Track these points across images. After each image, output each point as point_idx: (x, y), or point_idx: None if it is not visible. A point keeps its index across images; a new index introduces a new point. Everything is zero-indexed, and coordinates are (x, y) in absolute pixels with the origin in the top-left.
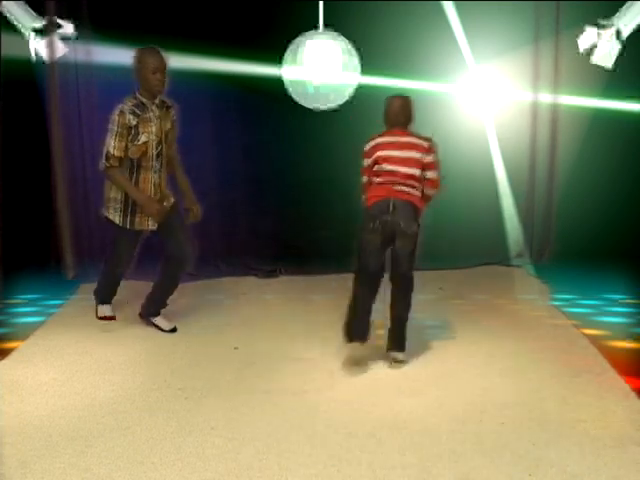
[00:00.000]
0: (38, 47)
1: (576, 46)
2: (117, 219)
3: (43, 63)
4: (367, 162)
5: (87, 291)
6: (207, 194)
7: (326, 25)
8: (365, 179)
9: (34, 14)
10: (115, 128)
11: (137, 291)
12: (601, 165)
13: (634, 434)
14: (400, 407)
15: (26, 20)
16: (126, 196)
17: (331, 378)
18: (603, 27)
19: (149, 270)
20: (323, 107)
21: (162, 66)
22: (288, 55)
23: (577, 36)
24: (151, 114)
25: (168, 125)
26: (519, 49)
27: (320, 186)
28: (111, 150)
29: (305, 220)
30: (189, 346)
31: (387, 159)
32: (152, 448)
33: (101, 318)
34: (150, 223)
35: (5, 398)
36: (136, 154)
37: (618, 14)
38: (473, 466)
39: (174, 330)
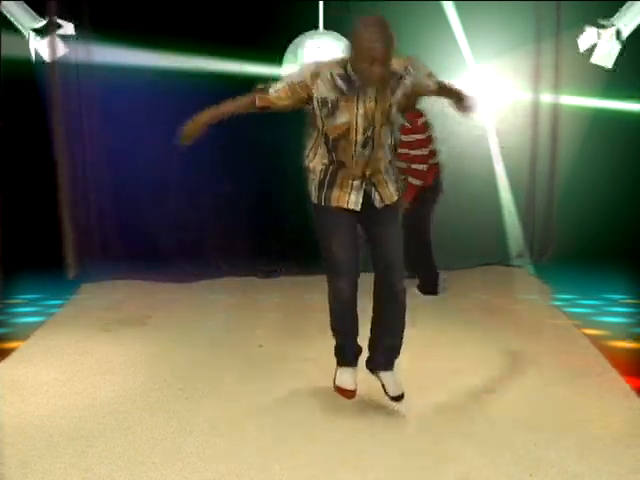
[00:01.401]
0: (38, 47)
1: (576, 46)
2: (313, 194)
3: (43, 63)
4: None
5: (88, 291)
6: (207, 194)
7: (326, 25)
8: None
9: (34, 14)
10: (295, 78)
11: (137, 291)
12: (601, 165)
13: (635, 434)
14: (400, 407)
15: (26, 20)
16: (327, 165)
17: (331, 378)
18: (603, 27)
19: (149, 270)
20: None
21: (382, 57)
22: (288, 55)
23: (577, 36)
24: (362, 93)
25: (390, 104)
26: (519, 49)
27: None
28: (272, 89)
29: (305, 220)
30: (189, 346)
31: None
32: (153, 448)
33: (338, 389)
34: (351, 201)
35: (6, 398)
36: (332, 134)
37: (618, 14)
38: (473, 466)
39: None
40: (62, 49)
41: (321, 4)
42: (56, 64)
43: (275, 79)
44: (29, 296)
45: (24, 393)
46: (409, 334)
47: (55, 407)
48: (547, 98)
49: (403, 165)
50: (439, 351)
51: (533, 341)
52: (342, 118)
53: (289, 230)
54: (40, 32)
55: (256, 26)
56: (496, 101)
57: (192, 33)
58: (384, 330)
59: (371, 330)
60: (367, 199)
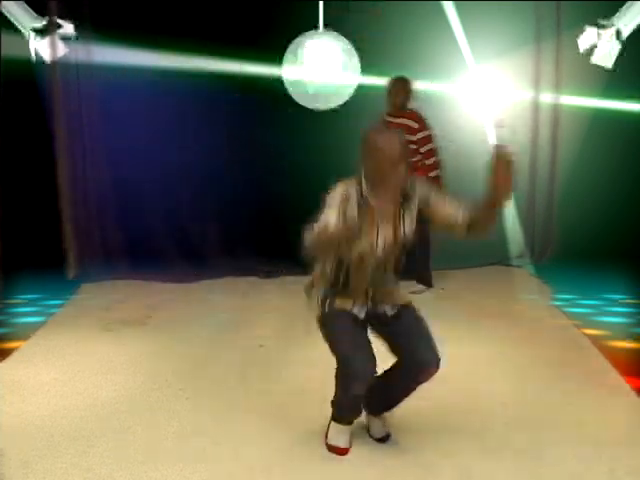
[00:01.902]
0: (38, 47)
1: (576, 46)
2: (316, 307)
3: (43, 63)
4: None
5: (88, 291)
6: (207, 193)
7: (326, 25)
8: None
9: (34, 14)
10: (333, 203)
11: (137, 291)
12: (601, 165)
13: (635, 434)
14: (400, 407)
15: (26, 20)
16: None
17: (331, 378)
18: (603, 27)
19: (149, 270)
20: (323, 107)
21: (403, 159)
22: (288, 55)
23: (577, 36)
24: (377, 215)
25: (406, 228)
26: (519, 49)
27: (321, 186)
28: (323, 224)
29: (306, 219)
30: (190, 346)
31: None
32: (154, 448)
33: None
34: (355, 309)
35: (6, 398)
36: (348, 258)
37: (618, 14)
38: (474, 466)
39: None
40: (62, 49)
41: (321, 4)
42: (56, 64)
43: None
44: (29, 296)
45: (25, 393)
46: None
47: (56, 407)
48: (547, 98)
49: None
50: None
51: (533, 341)
52: (361, 246)
53: (289, 230)
54: (40, 32)
55: (256, 26)
56: (496, 101)
57: (192, 33)
58: (397, 393)
59: (381, 378)
60: (375, 315)
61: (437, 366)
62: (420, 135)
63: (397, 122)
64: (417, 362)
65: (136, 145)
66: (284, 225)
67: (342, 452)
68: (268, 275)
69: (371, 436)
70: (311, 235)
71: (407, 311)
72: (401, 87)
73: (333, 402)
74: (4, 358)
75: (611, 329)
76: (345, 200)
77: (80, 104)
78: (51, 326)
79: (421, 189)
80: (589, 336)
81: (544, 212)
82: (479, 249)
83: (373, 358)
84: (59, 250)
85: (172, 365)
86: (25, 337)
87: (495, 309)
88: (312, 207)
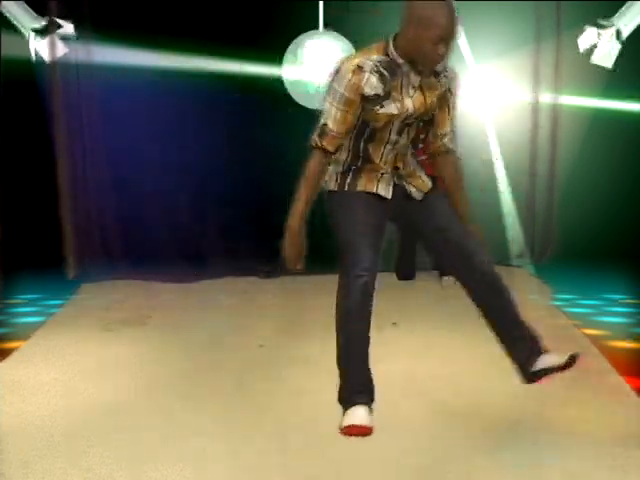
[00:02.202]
0: (38, 47)
1: (576, 46)
2: (331, 183)
3: (43, 63)
4: None
5: (88, 291)
6: (207, 193)
7: (326, 25)
8: None
9: (34, 14)
10: (340, 90)
11: (137, 291)
12: (601, 165)
13: (635, 434)
14: (400, 407)
15: (26, 20)
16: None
17: (331, 378)
18: (603, 27)
19: (149, 270)
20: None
21: (450, 35)
22: (288, 55)
23: (577, 36)
24: (405, 80)
25: (433, 99)
26: (519, 49)
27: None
28: (329, 123)
29: (306, 219)
30: (190, 346)
31: None
32: (153, 448)
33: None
34: (381, 188)
35: (6, 398)
36: (375, 122)
37: (618, 14)
38: (473, 466)
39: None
40: (62, 49)
41: (321, 4)
42: (56, 64)
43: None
44: (29, 296)
45: (24, 393)
46: (409, 334)
47: (56, 407)
48: (547, 98)
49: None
50: (438, 352)
51: None
52: (390, 109)
53: None
54: (40, 32)
55: (256, 26)
56: (496, 101)
57: (192, 33)
58: (507, 323)
59: (499, 339)
60: (402, 193)
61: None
62: None
63: None
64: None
65: (136, 145)
66: (284, 225)
67: (361, 431)
68: (268, 275)
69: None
70: (313, 137)
71: (434, 198)
72: None
73: (341, 386)
74: (4, 358)
75: (611, 329)
76: (358, 71)
77: (80, 104)
78: (51, 326)
79: (452, 83)
80: (589, 336)
81: (544, 212)
82: None
83: (379, 251)
84: (59, 250)
85: (172, 365)
86: (25, 337)
87: None
88: (312, 207)
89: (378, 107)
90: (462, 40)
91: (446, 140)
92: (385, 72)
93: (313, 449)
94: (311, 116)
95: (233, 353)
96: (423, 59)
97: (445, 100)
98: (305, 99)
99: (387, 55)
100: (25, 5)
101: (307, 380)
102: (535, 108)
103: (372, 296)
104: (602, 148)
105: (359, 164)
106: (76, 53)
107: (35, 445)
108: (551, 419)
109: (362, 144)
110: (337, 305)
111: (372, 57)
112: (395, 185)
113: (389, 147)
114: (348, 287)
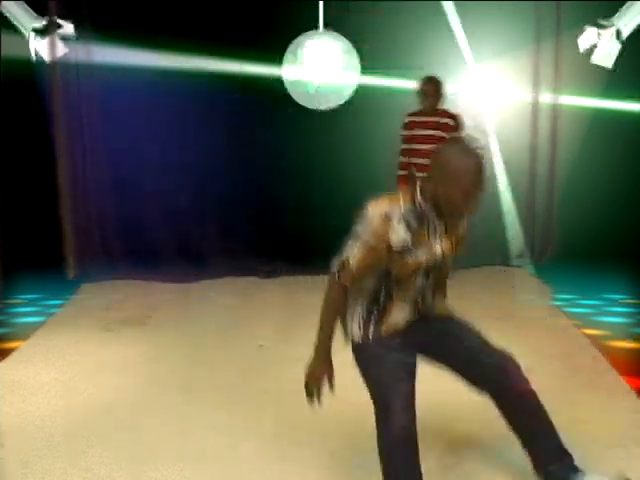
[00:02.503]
0: (38, 47)
1: (576, 46)
2: (356, 333)
3: (43, 63)
4: None
5: (88, 291)
6: (207, 193)
7: (326, 25)
8: None
9: (34, 14)
10: (366, 235)
11: (137, 291)
12: (601, 165)
13: (634, 434)
14: None
15: (26, 20)
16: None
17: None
18: (603, 27)
19: (149, 270)
20: (323, 107)
21: (480, 189)
22: (288, 55)
23: (577, 36)
24: (432, 227)
25: (459, 240)
26: (519, 49)
27: (321, 186)
28: (351, 261)
29: (306, 219)
30: (190, 346)
31: None
32: (153, 448)
33: None
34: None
35: (6, 398)
36: (400, 272)
37: (618, 14)
38: (473, 466)
39: None
40: (62, 49)
41: (321, 4)
42: (56, 64)
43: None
44: (29, 296)
45: (24, 393)
46: None
47: (55, 407)
48: (547, 98)
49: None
50: None
51: (533, 341)
52: (418, 258)
53: (289, 230)
54: (40, 32)
55: (256, 26)
56: (496, 101)
57: (192, 33)
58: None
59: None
60: (424, 326)
61: (513, 361)
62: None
63: (433, 120)
64: (499, 369)
65: (136, 145)
66: (284, 225)
67: None
68: (268, 275)
69: None
70: (334, 269)
71: (453, 320)
72: (435, 87)
73: None
74: (4, 358)
75: (611, 329)
76: (386, 221)
77: (80, 104)
78: (51, 326)
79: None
80: (589, 336)
81: (544, 212)
82: (479, 249)
83: (413, 401)
84: (59, 250)
85: (172, 365)
86: (25, 337)
87: (495, 309)
88: (312, 206)
89: (407, 258)
90: (462, 40)
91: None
92: (413, 221)
93: (313, 449)
94: (311, 116)
95: (233, 353)
96: (452, 211)
97: (460, 237)
98: (305, 99)
99: (414, 204)
100: (25, 5)
101: None
102: (535, 108)
103: (416, 442)
104: (602, 148)
105: (382, 307)
106: (76, 53)
107: (35, 445)
108: (551, 419)
109: (385, 290)
110: (381, 450)
111: (400, 205)
112: (417, 320)
113: (413, 292)
114: (390, 448)
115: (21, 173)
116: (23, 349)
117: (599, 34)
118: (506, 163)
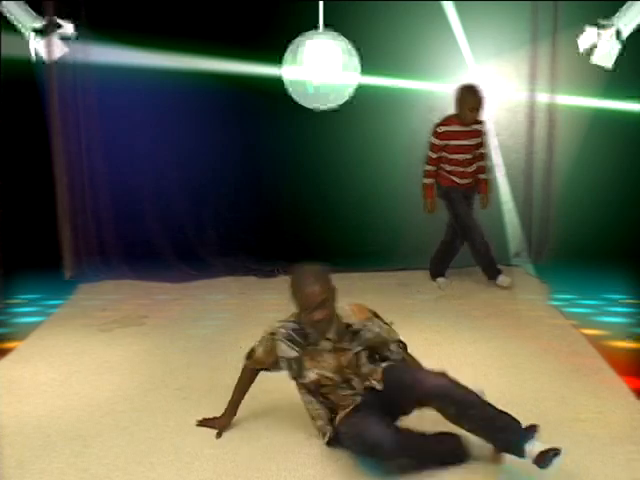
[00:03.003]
0: (38, 47)
1: (576, 46)
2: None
3: (43, 63)
4: None
5: (85, 291)
6: (205, 193)
7: (326, 25)
8: None
9: (34, 14)
10: (263, 337)
11: (135, 291)
12: (600, 165)
13: (632, 433)
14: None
15: (26, 20)
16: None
17: None
18: (603, 27)
19: (147, 270)
20: (323, 107)
21: (319, 299)
22: (288, 55)
23: (577, 36)
24: (320, 346)
25: (350, 357)
26: (518, 49)
27: (320, 186)
28: (255, 352)
29: (305, 219)
30: (187, 346)
31: None
32: (150, 448)
33: None
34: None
35: (3, 398)
36: (310, 387)
37: (618, 14)
38: (472, 466)
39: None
40: (62, 49)
41: (321, 4)
42: (56, 64)
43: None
44: (27, 296)
45: (22, 393)
46: (408, 334)
47: (53, 407)
48: (546, 98)
49: (473, 167)
50: (437, 351)
51: (531, 341)
52: (311, 375)
53: (288, 230)
54: (40, 32)
55: (256, 26)
56: (495, 101)
57: (191, 33)
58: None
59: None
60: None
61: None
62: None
63: (470, 130)
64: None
65: (134, 145)
66: (283, 225)
67: None
68: (267, 275)
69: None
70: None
71: (391, 370)
72: (480, 99)
73: None
74: (1, 358)
75: (609, 329)
76: (270, 338)
77: (79, 104)
78: (48, 326)
79: (379, 332)
80: (587, 336)
81: (542, 211)
82: None
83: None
84: (56, 250)
85: (169, 365)
86: (22, 337)
87: (493, 308)
88: (312, 206)
89: (299, 374)
90: (462, 40)
91: (396, 350)
92: (298, 338)
93: (311, 448)
94: (311, 116)
95: (230, 353)
96: (311, 327)
97: (381, 343)
98: (305, 99)
99: (299, 324)
100: (25, 5)
101: None
102: (533, 108)
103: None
104: (602, 148)
105: (329, 407)
106: (75, 53)
107: (32, 445)
108: (550, 419)
109: (321, 396)
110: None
111: (288, 325)
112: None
113: (344, 387)
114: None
115: (20, 174)
116: (20, 349)
117: (599, 34)
118: (505, 163)
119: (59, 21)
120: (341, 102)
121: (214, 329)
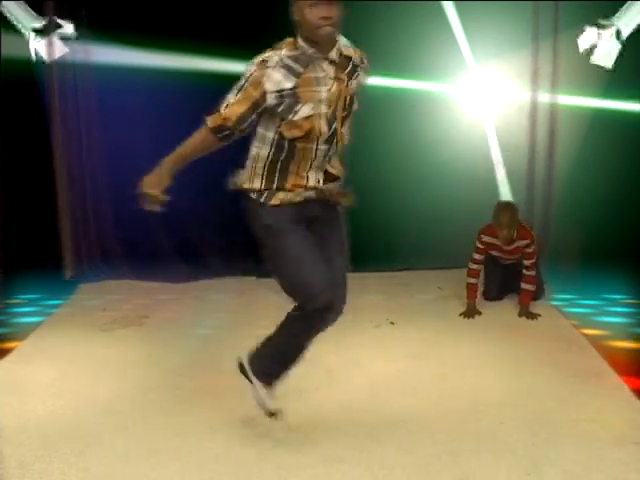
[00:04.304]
0: (38, 47)
1: (576, 46)
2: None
3: (43, 63)
4: None
5: (85, 291)
6: (205, 193)
7: None
8: None
9: (34, 14)
10: (242, 82)
11: (135, 291)
12: (601, 165)
13: (632, 433)
14: (399, 407)
15: (26, 20)
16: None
17: (329, 377)
18: (603, 27)
19: (147, 270)
20: None
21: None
22: None
23: (577, 36)
24: (321, 73)
25: (352, 88)
26: (519, 49)
27: None
28: (223, 108)
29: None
30: (188, 346)
31: None
32: (150, 448)
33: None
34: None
35: (3, 398)
36: (294, 134)
37: (618, 14)
38: (472, 466)
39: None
40: (62, 49)
41: None
42: (56, 64)
43: None
44: (27, 296)
45: (22, 393)
46: (408, 334)
47: (53, 407)
48: (546, 98)
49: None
50: (437, 351)
51: (532, 341)
52: (305, 110)
53: None
54: (40, 32)
55: (256, 26)
56: (495, 101)
57: (191, 33)
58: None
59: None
60: (325, 205)
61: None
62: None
63: (511, 248)
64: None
65: (134, 145)
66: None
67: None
68: (267, 275)
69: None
70: (213, 118)
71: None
72: (511, 217)
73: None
74: (1, 358)
75: (610, 329)
76: (261, 65)
77: (79, 104)
78: (48, 326)
79: (365, 75)
80: (588, 336)
81: (543, 211)
82: None
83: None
84: (57, 250)
85: (169, 365)
86: (22, 337)
87: (493, 309)
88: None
89: (288, 110)
90: (462, 40)
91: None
92: (296, 66)
93: (311, 448)
94: None
95: (230, 353)
96: (314, 32)
97: (356, 89)
98: None
99: (297, 48)
100: (25, 5)
101: (305, 379)
102: (534, 108)
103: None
104: (602, 148)
105: (283, 174)
106: (75, 53)
107: (32, 445)
108: (550, 419)
109: (285, 156)
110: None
111: (281, 52)
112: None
113: (315, 160)
114: (311, 322)
115: (20, 174)
116: (20, 349)
117: (599, 34)
118: (505, 163)
119: (59, 21)
120: None
121: (214, 329)
